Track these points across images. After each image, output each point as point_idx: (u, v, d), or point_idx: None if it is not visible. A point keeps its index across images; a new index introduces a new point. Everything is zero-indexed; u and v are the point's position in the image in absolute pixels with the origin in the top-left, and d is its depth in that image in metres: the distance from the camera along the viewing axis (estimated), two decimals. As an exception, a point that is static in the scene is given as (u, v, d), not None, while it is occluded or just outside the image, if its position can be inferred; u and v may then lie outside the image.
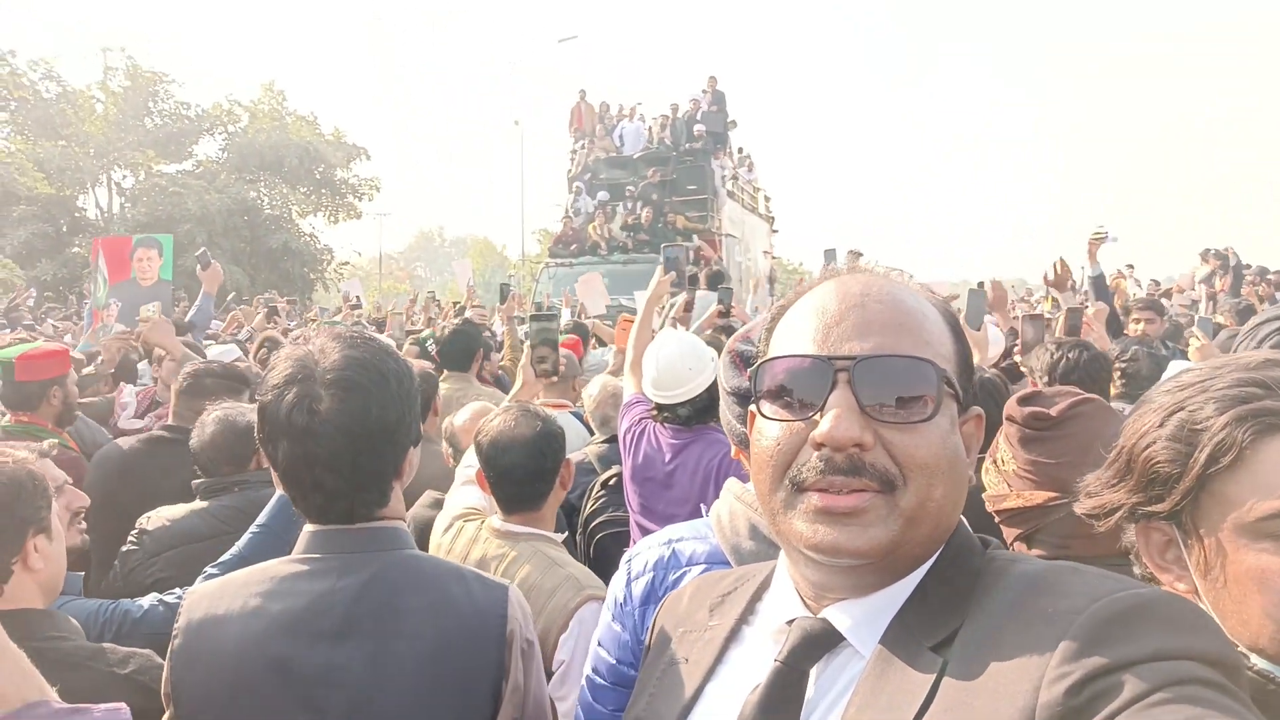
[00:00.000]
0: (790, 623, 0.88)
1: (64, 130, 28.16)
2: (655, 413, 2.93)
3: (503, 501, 2.22)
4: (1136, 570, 1.09)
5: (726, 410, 1.48)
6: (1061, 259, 5.17)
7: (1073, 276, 5.23)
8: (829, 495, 0.80)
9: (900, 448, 0.80)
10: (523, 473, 2.16)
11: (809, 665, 0.84)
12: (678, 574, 1.39)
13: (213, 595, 1.37)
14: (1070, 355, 3.12)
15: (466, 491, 2.46)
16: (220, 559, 2.04)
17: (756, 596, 0.98)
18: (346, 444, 1.30)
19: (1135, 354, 3.96)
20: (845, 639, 0.83)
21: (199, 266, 5.53)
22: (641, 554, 1.44)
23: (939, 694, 0.74)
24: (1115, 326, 4.88)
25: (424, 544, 2.68)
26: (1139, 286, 12.57)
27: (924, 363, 0.83)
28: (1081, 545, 1.64)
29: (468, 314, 7.40)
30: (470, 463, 2.50)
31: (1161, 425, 0.98)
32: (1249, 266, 12.13)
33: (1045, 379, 3.14)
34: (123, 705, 0.95)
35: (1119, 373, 3.70)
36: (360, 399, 1.30)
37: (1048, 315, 5.11)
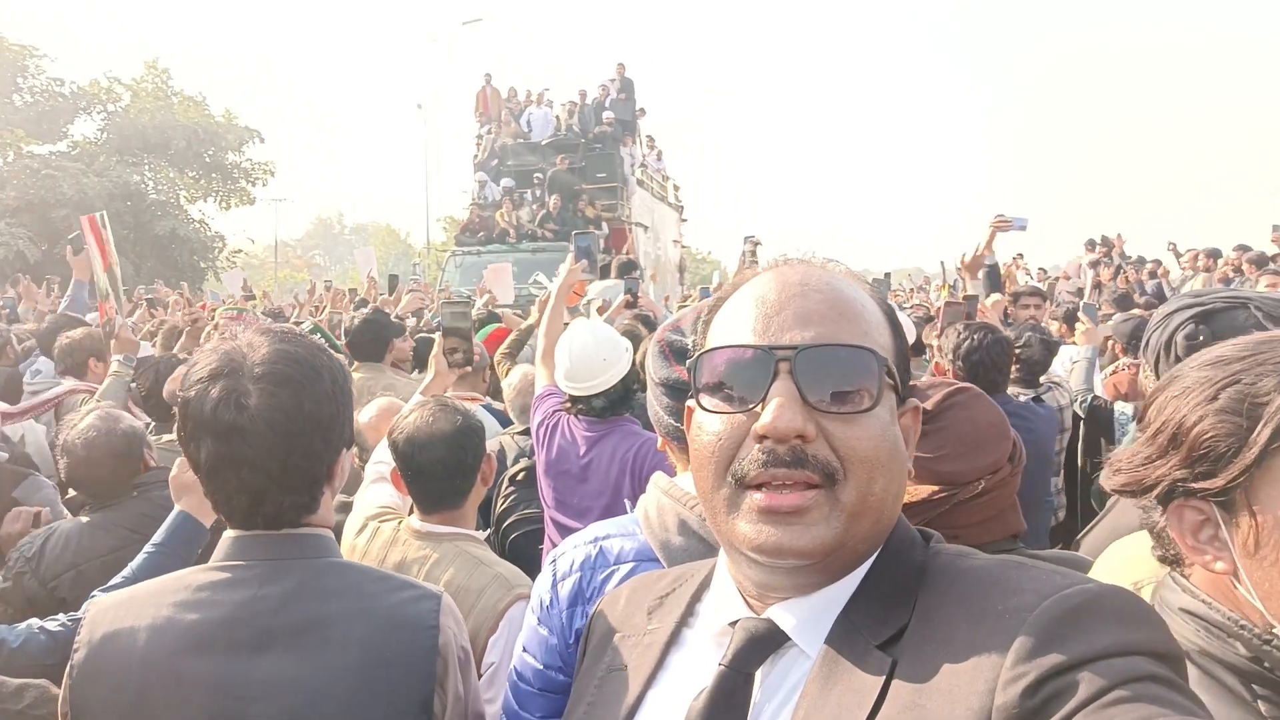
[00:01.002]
0: (733, 624, 0.86)
1: (-80, 107, 26.00)
2: (569, 405, 2.88)
3: (421, 501, 2.14)
4: (1157, 552, 1.09)
5: (654, 402, 1.45)
6: (978, 245, 5.30)
7: (985, 264, 5.37)
8: (772, 494, 0.79)
9: (841, 439, 0.79)
10: (443, 470, 2.08)
11: (754, 667, 0.83)
12: (605, 573, 1.35)
13: (119, 606, 1.28)
14: (975, 337, 3.28)
15: (378, 490, 2.35)
16: (109, 583, 1.89)
17: (696, 597, 0.96)
18: (276, 442, 1.23)
19: (1029, 339, 4.14)
20: (790, 639, 0.82)
21: (70, 250, 5.15)
22: (567, 554, 1.40)
23: (889, 695, 0.74)
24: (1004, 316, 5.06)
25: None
26: (1029, 275, 13.19)
27: (865, 351, 0.82)
28: (969, 534, 1.68)
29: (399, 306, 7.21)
30: (381, 459, 2.40)
31: (1214, 399, 0.96)
32: (1130, 258, 12.89)
33: (951, 358, 3.30)
34: None
35: (1015, 358, 3.87)
36: (292, 393, 1.24)
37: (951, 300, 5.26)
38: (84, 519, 2.49)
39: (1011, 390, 3.64)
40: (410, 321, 6.64)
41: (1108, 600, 0.72)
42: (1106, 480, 1.10)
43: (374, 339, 4.55)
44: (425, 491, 2.12)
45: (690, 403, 0.89)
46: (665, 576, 1.04)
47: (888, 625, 0.79)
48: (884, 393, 0.83)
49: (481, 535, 2.18)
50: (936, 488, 1.65)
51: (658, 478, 1.40)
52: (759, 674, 0.83)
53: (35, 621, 1.87)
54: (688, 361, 0.94)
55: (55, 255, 23.55)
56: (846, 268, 0.95)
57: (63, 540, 2.38)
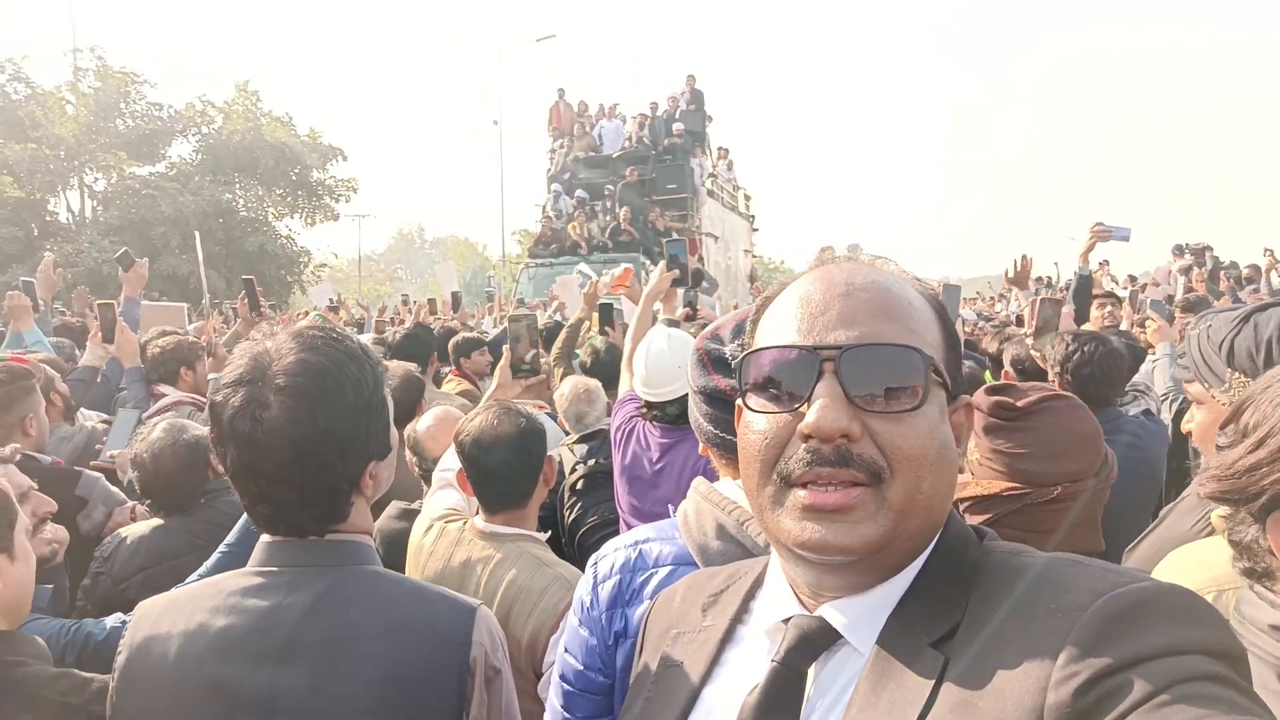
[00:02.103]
0: (786, 621, 0.86)
1: (33, 132, 27.67)
2: (644, 411, 2.89)
3: (486, 501, 2.18)
4: (1240, 565, 1.06)
5: (694, 409, 1.45)
6: (1025, 255, 5.11)
7: (1032, 274, 5.18)
8: (817, 492, 0.79)
9: (887, 438, 0.79)
10: (507, 470, 2.12)
11: (807, 664, 0.82)
12: (645, 576, 1.35)
13: (159, 611, 1.29)
14: (1085, 349, 3.08)
15: (445, 494, 2.42)
16: (186, 580, 1.96)
17: (750, 595, 0.97)
18: (292, 456, 1.20)
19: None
20: (843, 637, 0.82)
21: (120, 269, 5.12)
22: (608, 557, 1.41)
23: (941, 694, 0.73)
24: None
25: (394, 559, 2.63)
26: (1115, 283, 12.70)
27: (911, 351, 0.81)
28: (1038, 540, 1.64)
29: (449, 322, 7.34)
30: (448, 465, 2.46)
31: None
32: (1224, 264, 12.30)
33: (1058, 369, 3.11)
34: None
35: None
36: (308, 408, 1.20)
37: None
38: (156, 522, 2.59)
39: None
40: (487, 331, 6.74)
41: (1164, 598, 0.70)
42: (1201, 487, 1.06)
43: (416, 353, 4.65)
44: (490, 492, 2.16)
45: (739, 402, 0.89)
46: (719, 574, 1.04)
47: (940, 623, 0.78)
48: (931, 391, 0.82)
49: (543, 536, 2.21)
50: (1012, 484, 1.63)
51: (698, 483, 1.40)
52: (812, 671, 0.83)
53: (120, 615, 1.94)
54: (734, 362, 0.94)
55: (155, 271, 24.78)
56: (896, 265, 0.94)
57: (135, 543, 2.47)
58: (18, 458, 2.03)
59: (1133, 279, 13.98)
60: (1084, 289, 5.06)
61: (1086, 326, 4.71)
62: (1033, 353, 4.06)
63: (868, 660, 0.79)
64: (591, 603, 1.37)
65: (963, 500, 1.72)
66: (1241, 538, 1.04)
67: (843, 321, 0.83)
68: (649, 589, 1.33)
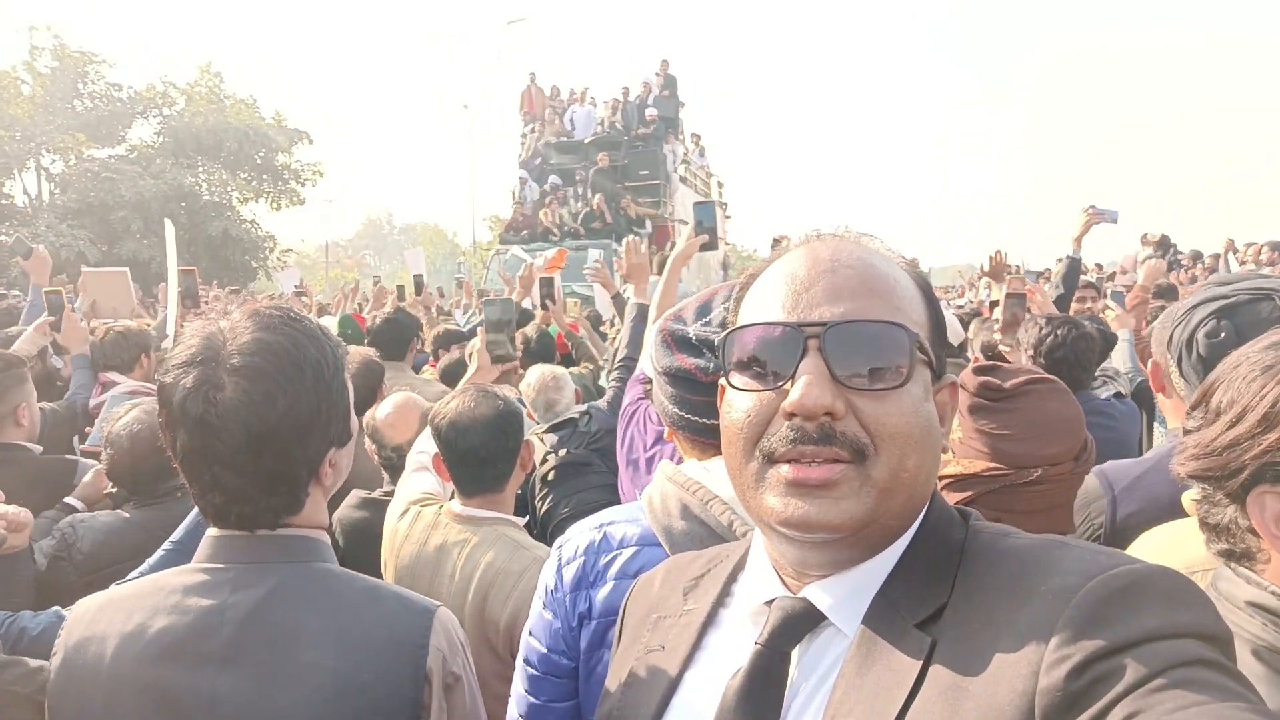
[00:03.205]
0: (769, 603, 0.85)
1: (-13, 113, 26.96)
2: (647, 393, 2.86)
3: (463, 484, 2.15)
4: (1217, 547, 1.06)
5: (658, 390, 1.42)
6: (998, 250, 5.16)
7: (1008, 266, 5.21)
8: (800, 468, 0.78)
9: (871, 416, 0.78)
10: (485, 453, 2.10)
11: (791, 646, 0.82)
12: (609, 557, 1.34)
13: (95, 610, 1.22)
14: (1059, 332, 3.12)
15: (420, 477, 2.38)
16: (126, 577, 1.88)
17: (732, 578, 0.96)
18: (247, 441, 1.13)
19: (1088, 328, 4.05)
20: (827, 618, 0.81)
21: (18, 257, 4.93)
22: (573, 540, 1.39)
23: (929, 676, 0.72)
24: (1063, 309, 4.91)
25: (355, 549, 2.59)
26: (1085, 272, 12.88)
27: (896, 328, 0.81)
28: (1015, 520, 1.64)
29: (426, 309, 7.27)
30: (423, 448, 2.42)
31: None
32: (1182, 252, 12.54)
33: (1031, 353, 3.15)
34: None
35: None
36: (265, 389, 1.13)
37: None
38: (124, 514, 2.48)
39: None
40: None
41: (1155, 581, 0.70)
42: (1180, 467, 1.06)
43: (396, 338, 4.59)
44: (466, 475, 2.13)
45: (721, 381, 0.88)
46: (700, 558, 1.03)
47: (926, 604, 0.77)
48: (916, 369, 0.81)
49: (520, 521, 2.18)
50: (994, 465, 1.64)
51: (663, 465, 1.38)
52: (796, 653, 0.82)
53: (59, 610, 1.86)
54: (718, 339, 0.92)
55: (115, 256, 24.30)
56: (881, 242, 0.92)
57: (103, 534, 2.37)
58: None
59: (1099, 267, 14.22)
60: (1073, 273, 5.12)
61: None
62: (1001, 348, 4.09)
63: (853, 642, 0.79)
64: (556, 585, 1.36)
65: (943, 478, 1.73)
66: (1218, 520, 1.04)
67: (828, 298, 0.82)
68: (613, 570, 1.32)
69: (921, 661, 0.73)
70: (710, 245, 3.41)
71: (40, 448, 3.01)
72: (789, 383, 0.80)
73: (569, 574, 1.35)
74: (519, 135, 20.12)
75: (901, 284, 0.86)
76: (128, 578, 1.85)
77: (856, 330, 0.80)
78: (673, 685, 0.90)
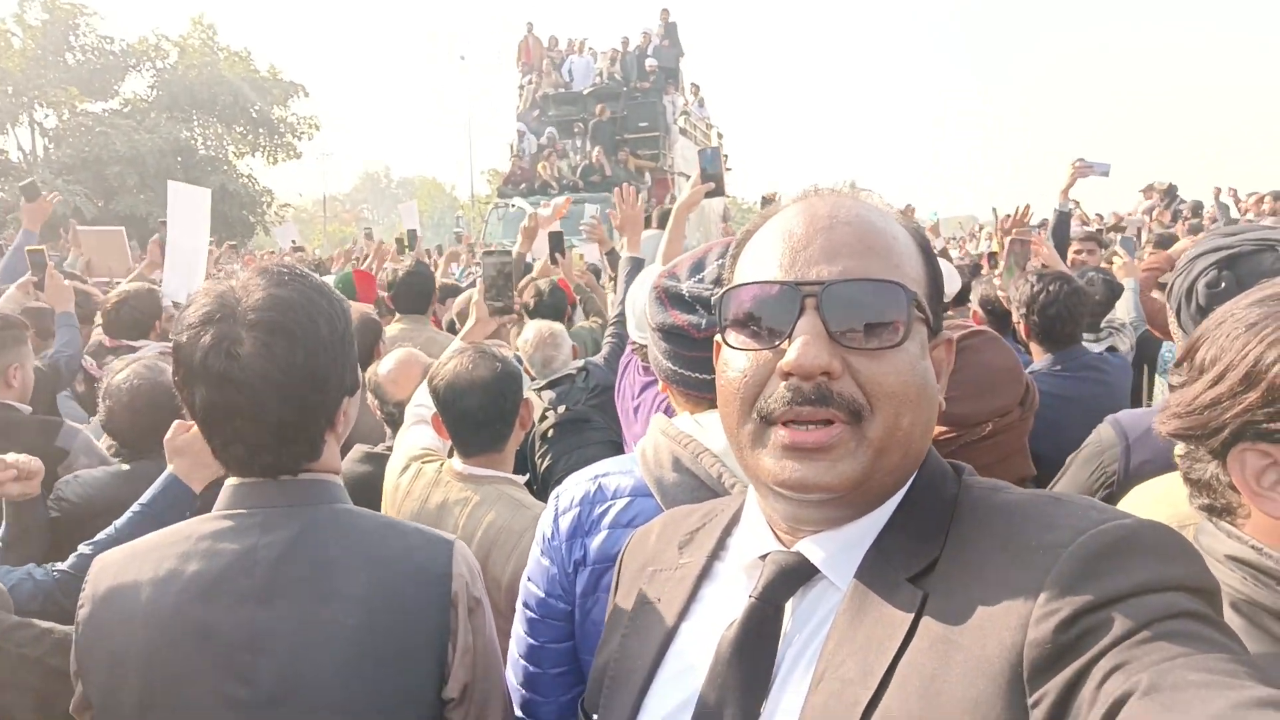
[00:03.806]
0: (764, 557, 0.86)
1: (-24, 67, 26.58)
2: (635, 348, 2.88)
3: (462, 445, 2.17)
4: (1199, 502, 1.06)
5: (653, 346, 1.45)
6: (995, 211, 5.07)
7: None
8: (796, 431, 0.78)
9: (868, 375, 0.78)
10: (482, 415, 2.11)
11: (784, 599, 0.83)
12: (603, 507, 1.38)
13: (122, 561, 1.26)
14: (1050, 289, 3.07)
15: (419, 431, 2.39)
16: (94, 538, 1.93)
17: (727, 531, 0.97)
18: (269, 393, 1.17)
19: (1091, 279, 4.01)
20: (820, 572, 0.82)
21: (23, 199, 4.94)
22: (569, 490, 1.44)
23: (920, 628, 0.73)
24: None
25: (359, 502, 2.60)
26: (1086, 223, 12.82)
27: (894, 286, 0.80)
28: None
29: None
30: (421, 401, 2.44)
31: None
32: (1184, 201, 12.45)
33: (1023, 310, 3.12)
34: None
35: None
36: (285, 343, 1.17)
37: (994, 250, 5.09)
38: (117, 467, 2.53)
39: (1087, 338, 3.45)
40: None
41: (1145, 535, 0.70)
42: (1162, 425, 1.06)
43: (418, 292, 4.56)
44: (466, 436, 2.15)
45: (718, 339, 0.87)
46: (695, 512, 1.04)
47: (918, 558, 0.78)
48: (914, 327, 0.81)
49: (520, 479, 2.20)
50: (944, 429, 1.65)
51: (657, 418, 1.41)
52: (789, 606, 0.83)
53: (32, 567, 1.91)
54: (714, 297, 0.92)
55: (111, 211, 24.12)
56: (880, 198, 0.92)
57: (96, 487, 2.43)
58: None
59: (1100, 217, 14.13)
60: (1062, 226, 5.09)
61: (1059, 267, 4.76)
62: (999, 293, 4.09)
63: (845, 595, 0.79)
64: (552, 534, 1.40)
65: None
66: (1200, 475, 1.04)
67: (825, 256, 0.81)
68: (607, 519, 1.36)
69: (913, 615, 0.74)
70: (717, 192, 3.33)
71: (30, 408, 3.02)
72: (785, 342, 0.79)
73: (565, 523, 1.39)
74: (516, 87, 19.83)
75: (900, 240, 0.85)
76: (96, 538, 1.90)
77: (854, 289, 0.79)
78: (669, 636, 0.91)
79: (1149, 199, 12.64)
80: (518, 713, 1.43)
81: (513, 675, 1.44)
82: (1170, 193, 12.49)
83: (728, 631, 0.83)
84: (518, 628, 1.44)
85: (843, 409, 0.77)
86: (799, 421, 0.78)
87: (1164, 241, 6.97)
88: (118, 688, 1.20)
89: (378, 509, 2.30)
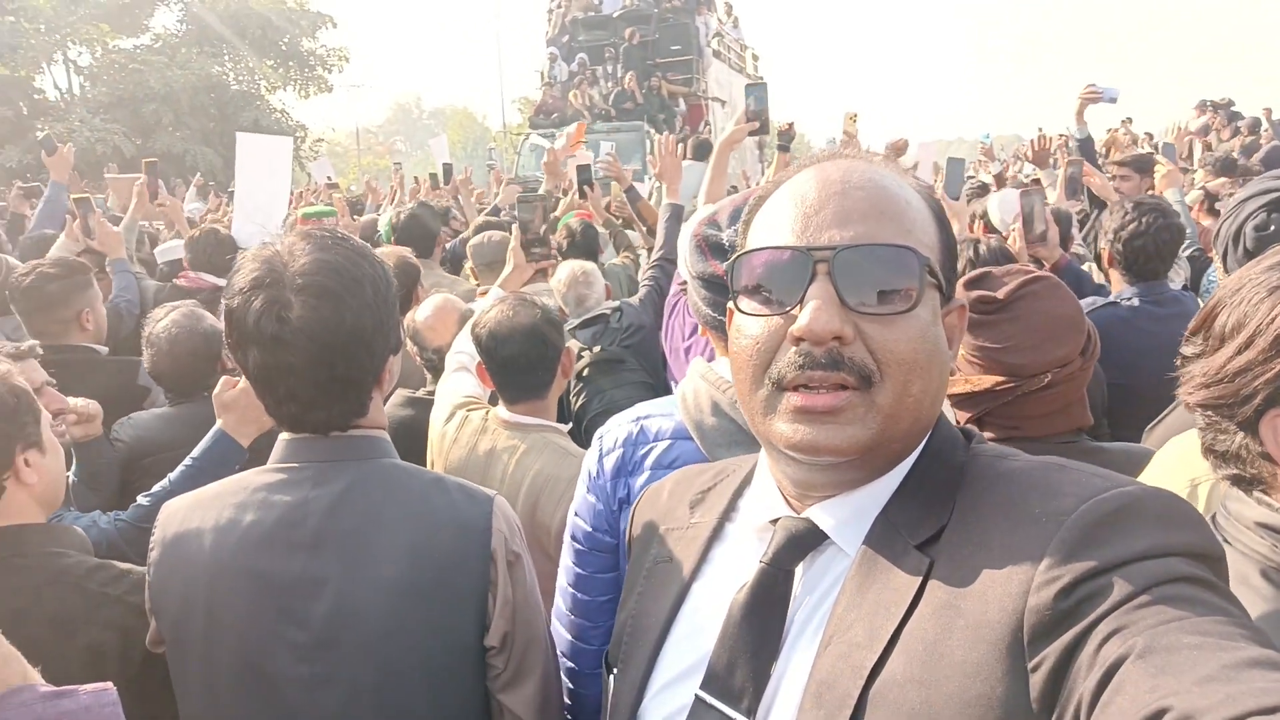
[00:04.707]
0: (774, 522, 0.88)
1: (9, 4, 26.53)
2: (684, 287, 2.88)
3: (506, 392, 2.22)
4: (1225, 473, 1.04)
5: (694, 293, 1.48)
6: (1041, 131, 4.94)
7: (1052, 150, 5.02)
8: (807, 395, 0.79)
9: (879, 341, 0.79)
10: (525, 362, 2.16)
11: (794, 564, 0.85)
12: (645, 449, 1.45)
13: (187, 508, 1.35)
14: (1144, 220, 2.93)
15: (461, 378, 2.45)
16: (151, 490, 2.03)
17: (738, 493, 0.99)
18: (320, 353, 1.23)
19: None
20: (830, 538, 0.84)
21: (43, 152, 4.96)
22: (612, 431, 1.51)
23: (926, 594, 0.75)
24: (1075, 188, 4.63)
25: (402, 445, 2.65)
26: (1135, 144, 12.37)
27: (906, 251, 0.80)
28: (1033, 426, 1.65)
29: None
30: (462, 348, 2.49)
31: None
32: (1242, 117, 11.91)
33: (1110, 238, 3.01)
34: (109, 686, 0.92)
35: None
36: (332, 305, 1.23)
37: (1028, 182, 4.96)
38: (161, 410, 2.67)
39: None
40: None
41: (1147, 503, 0.71)
42: (1189, 397, 1.04)
43: (422, 234, 4.48)
44: (510, 384, 2.21)
45: (730, 304, 0.88)
46: (707, 471, 1.07)
47: (926, 525, 0.79)
48: (926, 293, 0.81)
49: (565, 428, 2.26)
50: (1002, 378, 1.62)
51: (697, 363, 1.46)
52: (799, 570, 0.85)
53: (97, 514, 2.03)
54: (726, 263, 0.93)
55: (149, 149, 24.26)
56: (895, 163, 0.92)
57: (145, 427, 2.57)
58: (39, 353, 2.08)
59: (1150, 136, 13.61)
60: (1085, 153, 4.97)
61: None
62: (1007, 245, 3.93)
63: (854, 561, 0.81)
64: (598, 472, 1.49)
65: (952, 396, 1.71)
66: (1227, 447, 1.02)
67: (837, 221, 0.81)
68: (649, 460, 1.43)
69: (920, 580, 0.76)
70: (762, 130, 3.25)
71: (106, 349, 3.16)
72: (797, 307, 0.80)
73: (609, 463, 1.47)
74: (545, 11, 19.39)
75: (913, 205, 0.85)
76: (152, 490, 2.01)
77: (866, 254, 0.79)
78: (681, 596, 0.94)
79: (1202, 115, 12.11)
80: (568, 636, 1.52)
81: (562, 602, 1.54)
82: (1227, 108, 11.95)
83: (739, 595, 0.85)
84: (566, 559, 1.53)
85: (853, 374, 0.78)
86: (810, 386, 0.79)
87: (1225, 166, 6.69)
88: (186, 625, 1.30)
89: (421, 453, 2.41)
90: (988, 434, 1.69)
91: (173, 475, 2.04)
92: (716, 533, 0.96)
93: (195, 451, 2.06)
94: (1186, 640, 0.60)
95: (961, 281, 1.71)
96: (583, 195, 5.53)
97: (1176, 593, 0.64)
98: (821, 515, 0.84)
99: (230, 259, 4.11)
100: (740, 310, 0.86)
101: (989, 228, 4.24)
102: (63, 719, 0.96)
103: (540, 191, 5.39)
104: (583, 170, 5.45)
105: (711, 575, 0.94)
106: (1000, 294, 1.64)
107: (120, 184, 6.09)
